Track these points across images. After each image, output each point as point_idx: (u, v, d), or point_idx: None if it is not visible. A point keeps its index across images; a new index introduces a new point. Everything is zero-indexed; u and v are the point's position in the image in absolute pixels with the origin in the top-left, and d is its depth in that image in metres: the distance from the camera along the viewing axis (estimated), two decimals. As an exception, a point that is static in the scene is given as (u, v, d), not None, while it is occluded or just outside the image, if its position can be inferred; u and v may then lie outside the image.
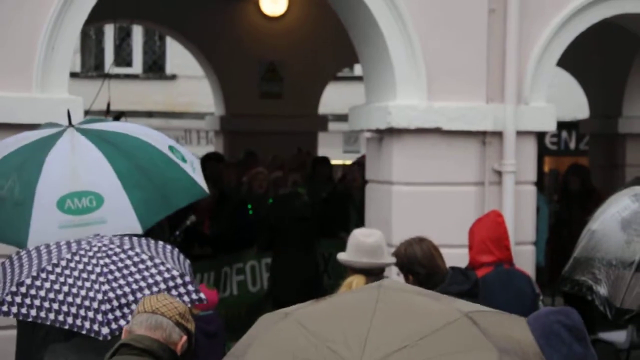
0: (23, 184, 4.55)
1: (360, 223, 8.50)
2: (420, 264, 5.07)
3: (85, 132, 4.85)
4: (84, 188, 4.51)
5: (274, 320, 2.29)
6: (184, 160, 4.97)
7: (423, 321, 2.12)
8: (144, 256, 4.02)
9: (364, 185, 7.81)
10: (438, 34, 7.08)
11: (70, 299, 3.84)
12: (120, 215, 4.50)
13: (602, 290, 3.22)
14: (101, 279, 3.88)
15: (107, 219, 4.47)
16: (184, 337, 3.38)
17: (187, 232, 7.05)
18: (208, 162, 9.50)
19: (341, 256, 5.14)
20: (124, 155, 4.68)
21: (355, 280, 4.88)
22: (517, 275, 5.54)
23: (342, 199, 9.89)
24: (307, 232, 9.03)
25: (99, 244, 4.05)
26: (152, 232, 5.24)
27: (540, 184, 10.24)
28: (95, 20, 9.44)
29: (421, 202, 7.06)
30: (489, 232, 5.46)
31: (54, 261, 3.96)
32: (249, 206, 9.71)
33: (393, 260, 5.18)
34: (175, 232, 6.91)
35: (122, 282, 3.89)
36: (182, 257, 4.32)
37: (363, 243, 5.05)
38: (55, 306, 3.83)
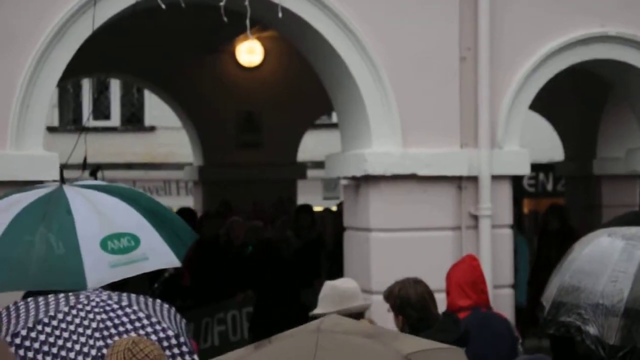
0: (60, 235, 4.71)
1: (332, 270, 8.50)
2: (412, 308, 4.99)
3: (83, 186, 5.10)
4: (118, 230, 4.77)
5: None
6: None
7: None
8: (140, 314, 4.02)
9: (336, 233, 7.83)
10: (411, 82, 7.19)
11: (64, 353, 3.83)
12: (158, 251, 4.82)
13: (592, 329, 3.17)
14: (97, 334, 3.87)
15: (149, 256, 4.77)
16: None
17: (166, 284, 7.04)
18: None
19: (319, 310, 5.06)
20: (133, 200, 4.97)
21: None
22: (495, 319, 5.55)
23: (313, 246, 9.87)
24: (290, 277, 9.03)
25: (97, 299, 4.05)
26: (130, 283, 5.27)
27: (520, 225, 10.30)
28: (72, 75, 9.51)
29: (399, 248, 7.10)
30: (465, 276, 5.48)
31: (51, 313, 3.95)
32: (229, 256, 9.71)
33: (369, 303, 5.18)
34: (154, 284, 6.89)
35: (117, 339, 3.88)
36: (178, 316, 4.33)
37: (338, 288, 5.09)
38: (49, 359, 3.82)
